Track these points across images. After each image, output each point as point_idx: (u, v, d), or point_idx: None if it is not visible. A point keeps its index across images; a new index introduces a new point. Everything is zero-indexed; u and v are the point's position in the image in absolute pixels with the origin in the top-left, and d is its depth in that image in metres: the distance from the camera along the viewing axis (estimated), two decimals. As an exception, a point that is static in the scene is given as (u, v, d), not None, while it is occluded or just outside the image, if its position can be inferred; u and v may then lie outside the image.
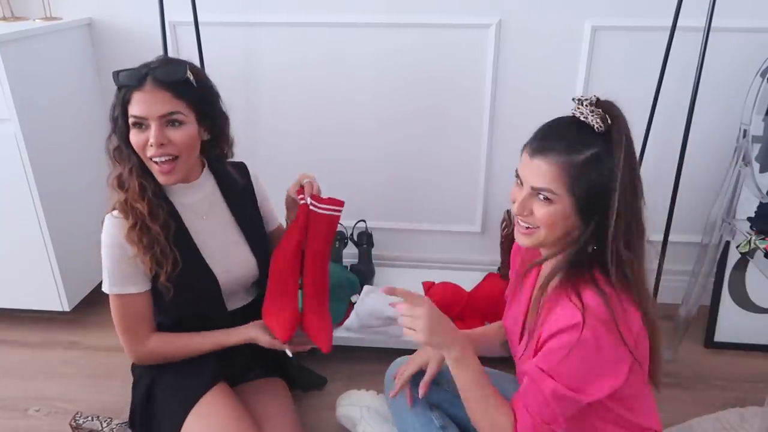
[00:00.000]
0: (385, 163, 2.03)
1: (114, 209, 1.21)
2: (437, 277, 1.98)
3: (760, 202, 1.64)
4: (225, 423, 1.22)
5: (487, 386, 1.02)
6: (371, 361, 1.70)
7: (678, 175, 1.65)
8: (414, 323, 1.01)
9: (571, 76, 1.83)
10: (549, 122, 1.00)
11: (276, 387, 1.42)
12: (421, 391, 1.23)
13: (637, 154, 1.71)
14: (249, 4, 1.85)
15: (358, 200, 2.10)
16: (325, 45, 1.87)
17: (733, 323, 1.83)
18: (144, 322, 1.27)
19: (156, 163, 1.17)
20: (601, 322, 0.90)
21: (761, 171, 1.60)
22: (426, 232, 2.14)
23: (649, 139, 1.72)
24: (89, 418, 1.48)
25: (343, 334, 1.75)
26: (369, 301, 1.77)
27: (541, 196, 0.96)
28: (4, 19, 1.91)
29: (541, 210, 0.96)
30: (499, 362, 1.34)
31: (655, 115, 1.70)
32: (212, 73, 1.31)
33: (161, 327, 1.31)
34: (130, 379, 1.39)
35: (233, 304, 1.36)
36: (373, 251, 2.12)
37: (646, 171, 1.72)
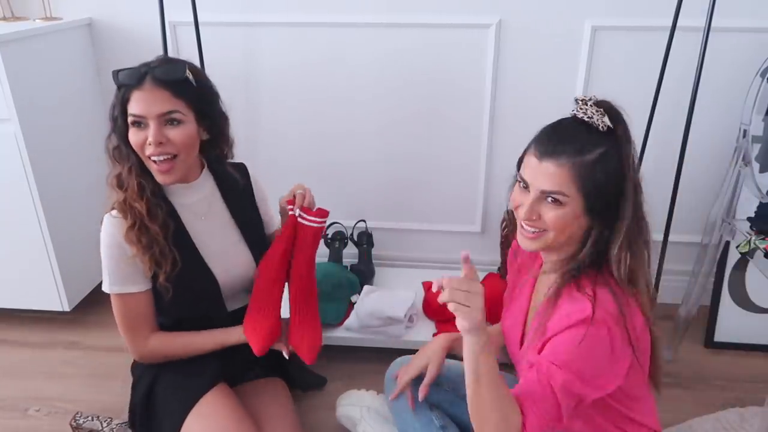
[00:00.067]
0: (385, 163, 2.03)
1: (113, 209, 1.21)
2: (437, 277, 1.95)
3: (760, 202, 1.64)
4: (225, 423, 1.22)
5: (502, 378, 0.96)
6: (371, 361, 1.70)
7: (678, 175, 1.65)
8: (471, 299, 0.90)
9: (571, 76, 1.83)
10: (552, 124, 1.00)
11: (276, 387, 1.42)
12: (421, 394, 1.23)
13: (637, 154, 1.72)
14: (249, 4, 1.85)
15: (358, 200, 2.10)
16: (325, 45, 1.87)
17: (733, 323, 1.82)
18: (145, 321, 1.28)
19: (154, 162, 1.17)
20: (611, 316, 0.91)
21: (761, 171, 1.60)
22: (426, 232, 2.14)
23: (649, 139, 1.72)
24: (89, 418, 1.48)
25: (343, 334, 1.75)
26: (369, 301, 1.77)
27: (550, 199, 0.95)
28: (4, 19, 1.91)
29: (550, 213, 0.96)
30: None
31: (655, 115, 1.70)
32: (212, 73, 1.31)
33: (162, 327, 1.32)
34: (130, 379, 1.39)
35: (233, 304, 1.36)
36: (373, 251, 2.12)
37: (646, 171, 1.71)
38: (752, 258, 1.56)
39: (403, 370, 1.29)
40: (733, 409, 1.56)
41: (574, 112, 0.97)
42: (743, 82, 1.60)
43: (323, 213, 1.29)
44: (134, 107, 1.14)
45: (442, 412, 1.29)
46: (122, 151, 1.20)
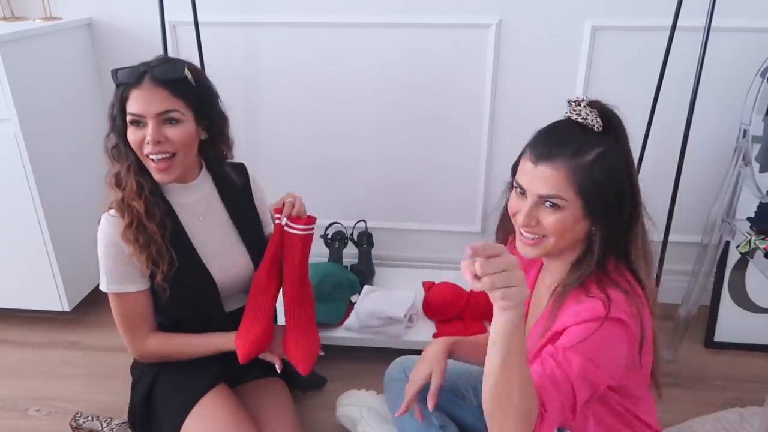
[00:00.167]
0: (385, 163, 2.03)
1: (110, 208, 1.21)
2: (437, 277, 1.98)
3: (760, 202, 1.64)
4: (224, 425, 1.22)
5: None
6: (371, 361, 1.70)
7: (678, 175, 1.65)
8: (512, 277, 0.74)
9: (571, 76, 1.83)
10: (547, 128, 0.99)
11: (276, 387, 1.42)
12: (430, 404, 1.18)
13: (637, 154, 1.73)
14: (249, 4, 1.85)
15: (358, 200, 2.10)
16: (325, 45, 1.87)
17: (733, 323, 1.82)
18: (143, 320, 1.27)
19: (153, 160, 1.17)
20: (626, 314, 0.90)
21: (761, 171, 1.60)
22: (426, 232, 2.14)
23: (649, 139, 1.72)
24: (89, 418, 1.49)
25: (343, 334, 1.75)
26: (369, 301, 1.77)
27: (548, 204, 0.94)
28: (4, 19, 1.91)
29: (549, 218, 0.94)
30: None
31: (655, 115, 1.70)
32: (212, 73, 1.31)
33: (160, 327, 1.31)
34: (130, 379, 1.39)
35: (231, 304, 1.36)
36: (373, 251, 2.12)
37: (646, 171, 1.76)
38: (752, 258, 1.56)
39: (408, 384, 1.24)
40: (733, 409, 1.56)
41: (568, 114, 0.96)
42: (743, 82, 1.60)
43: (311, 220, 1.29)
44: (133, 106, 1.14)
45: (442, 411, 1.28)
46: (121, 150, 1.20)
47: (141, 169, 1.21)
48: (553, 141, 0.94)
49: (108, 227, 1.20)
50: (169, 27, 1.83)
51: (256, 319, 1.28)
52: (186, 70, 1.16)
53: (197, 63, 1.71)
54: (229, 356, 1.31)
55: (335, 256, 2.06)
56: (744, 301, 1.81)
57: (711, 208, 1.68)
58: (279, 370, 1.29)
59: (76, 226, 1.86)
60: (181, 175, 1.23)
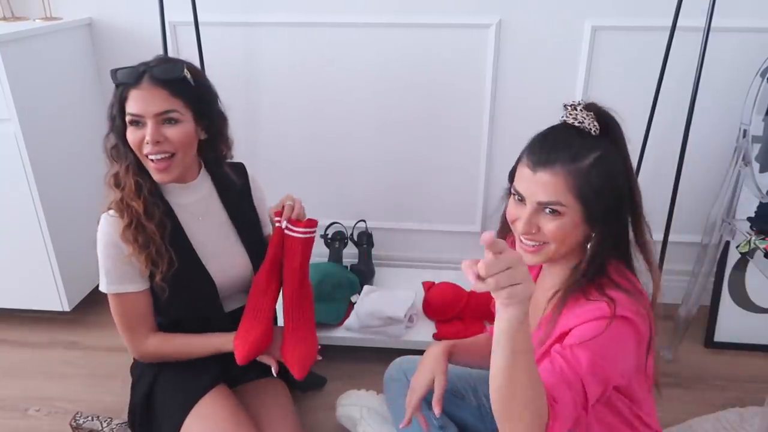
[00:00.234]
0: (385, 163, 2.03)
1: (110, 208, 1.21)
2: (437, 277, 1.98)
3: (760, 202, 1.64)
4: (224, 425, 1.22)
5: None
6: (371, 361, 1.70)
7: (678, 175, 1.65)
8: (516, 274, 0.72)
9: (571, 76, 1.83)
10: (543, 133, 0.97)
11: (276, 387, 1.42)
12: (436, 410, 1.15)
13: (637, 154, 1.73)
14: (249, 4, 1.85)
15: (358, 200, 2.10)
16: (325, 45, 1.87)
17: (733, 323, 1.82)
18: (143, 320, 1.28)
19: (152, 160, 1.17)
20: (632, 313, 0.89)
21: (761, 171, 1.60)
22: (426, 232, 2.14)
23: (649, 139, 1.72)
24: (89, 418, 1.49)
25: (343, 334, 1.75)
26: (369, 301, 1.77)
27: (548, 210, 0.92)
28: (4, 19, 1.91)
29: (549, 225, 0.93)
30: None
31: (655, 115, 1.70)
32: (212, 73, 1.31)
33: (160, 328, 1.31)
34: (130, 379, 1.39)
35: (230, 304, 1.36)
36: (373, 251, 2.12)
37: (646, 171, 1.76)
38: (752, 258, 1.56)
39: (410, 392, 1.22)
40: (733, 409, 1.56)
41: (564, 118, 0.95)
42: (743, 82, 1.60)
43: (312, 223, 1.28)
44: (132, 106, 1.14)
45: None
46: (120, 149, 1.20)
47: (140, 169, 1.21)
48: (551, 146, 0.93)
49: (107, 227, 1.20)
50: (169, 27, 1.83)
51: (256, 321, 1.28)
52: (185, 70, 1.16)
53: (197, 63, 1.71)
54: (229, 357, 1.31)
55: (335, 256, 2.06)
56: (744, 301, 1.81)
57: (711, 208, 1.68)
58: (275, 374, 1.29)
59: (76, 226, 1.86)
60: (180, 175, 1.23)
